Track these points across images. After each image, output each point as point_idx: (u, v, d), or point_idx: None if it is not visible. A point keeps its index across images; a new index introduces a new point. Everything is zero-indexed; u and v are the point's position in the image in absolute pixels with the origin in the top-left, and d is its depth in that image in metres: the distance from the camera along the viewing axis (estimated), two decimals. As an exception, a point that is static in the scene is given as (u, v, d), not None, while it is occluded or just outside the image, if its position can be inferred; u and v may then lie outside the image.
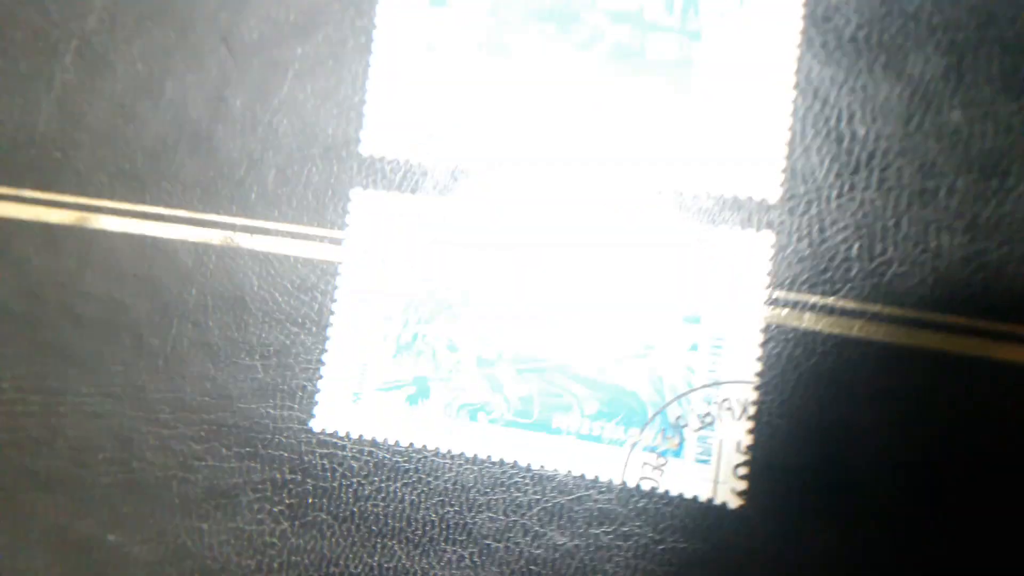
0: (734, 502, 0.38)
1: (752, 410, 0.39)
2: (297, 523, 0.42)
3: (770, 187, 0.40)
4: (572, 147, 0.41)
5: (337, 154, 0.44)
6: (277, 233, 0.45)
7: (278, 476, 0.43)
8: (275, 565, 0.42)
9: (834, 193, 0.39)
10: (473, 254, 0.42)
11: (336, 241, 0.44)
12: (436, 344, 0.42)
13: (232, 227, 0.45)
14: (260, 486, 0.43)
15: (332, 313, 0.43)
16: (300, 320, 0.44)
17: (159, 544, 0.44)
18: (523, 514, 0.40)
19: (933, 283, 0.38)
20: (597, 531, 0.40)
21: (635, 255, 0.40)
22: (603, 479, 0.39)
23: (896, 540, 0.37)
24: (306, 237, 0.44)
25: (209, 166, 0.46)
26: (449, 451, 0.41)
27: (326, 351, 0.43)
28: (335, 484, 0.42)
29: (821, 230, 0.39)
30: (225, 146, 0.46)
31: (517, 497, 0.40)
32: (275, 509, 0.43)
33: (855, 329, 0.38)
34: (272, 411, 0.43)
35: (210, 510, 0.43)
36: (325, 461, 0.42)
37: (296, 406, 0.43)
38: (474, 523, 0.41)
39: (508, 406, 0.41)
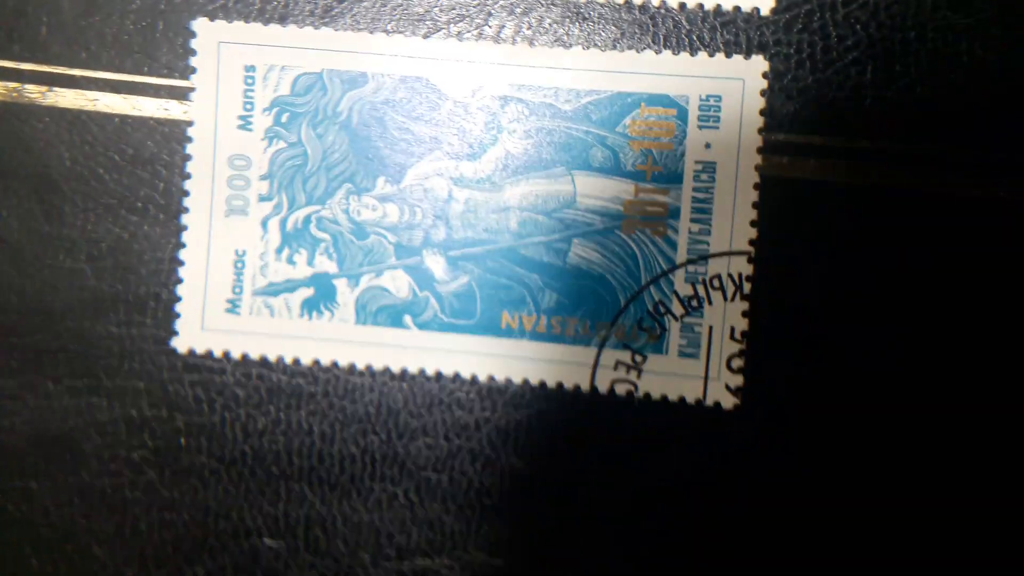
0: (728, 401, 0.31)
1: (748, 287, 0.31)
2: (167, 471, 0.32)
3: (765, -2, 0.31)
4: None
5: (165, -33, 0.32)
6: (88, 84, 0.32)
7: (134, 414, 0.32)
8: (142, 526, 0.32)
9: None
10: (373, 100, 0.32)
11: (180, 93, 0.32)
12: (337, 229, 0.32)
13: (18, 76, 0.32)
14: (109, 428, 0.32)
15: (185, 194, 0.32)
16: (139, 205, 0.32)
17: (-34, 514, 0.33)
18: (469, 437, 0.32)
19: (967, 111, 0.31)
20: (563, 450, 0.32)
21: (590, 94, 0.31)
22: (568, 386, 0.31)
23: (909, 433, 0.31)
24: (134, 89, 0.32)
25: (-28, -10, 0.32)
26: (368, 367, 0.31)
27: (183, 246, 0.32)
28: (215, 419, 0.32)
29: (826, 50, 0.31)
30: (-7, -40, 0.32)
31: (460, 417, 0.32)
32: (134, 456, 0.32)
33: (871, 176, 0.31)
34: (115, 329, 0.32)
35: (39, 463, 0.33)
36: (198, 391, 0.32)
37: (148, 321, 0.32)
38: (407, 453, 0.32)
39: (442, 305, 0.32)
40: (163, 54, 0.32)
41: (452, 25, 0.31)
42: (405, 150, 0.31)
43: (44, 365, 0.32)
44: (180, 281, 0.32)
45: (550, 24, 0.31)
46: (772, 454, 0.31)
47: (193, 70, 0.31)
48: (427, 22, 0.31)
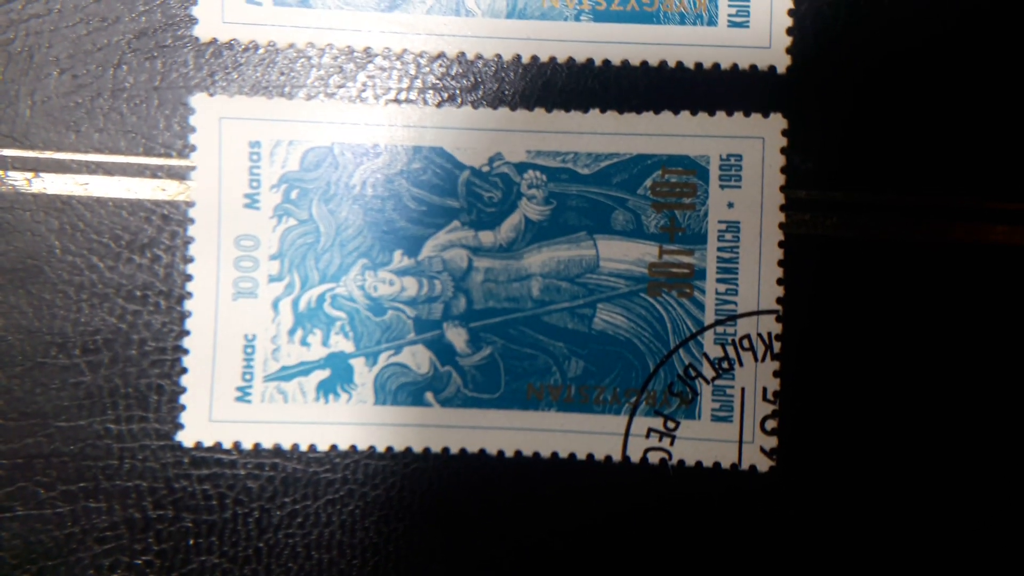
0: (763, 464, 0.30)
1: (778, 347, 0.31)
2: (175, 575, 0.31)
3: (774, 51, 0.31)
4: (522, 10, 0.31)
5: (159, 40, 0.30)
6: (79, 168, 0.30)
7: (137, 516, 0.30)
8: (149, 637, 0.30)
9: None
10: (387, 171, 0.31)
11: (180, 173, 0.30)
12: (353, 306, 0.30)
13: (0, 163, 0.31)
14: (109, 534, 0.30)
15: (189, 278, 0.30)
16: (139, 293, 0.30)
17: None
18: (501, 516, 0.30)
19: (983, 161, 0.31)
20: (597, 523, 0.31)
21: (609, 157, 0.30)
22: (599, 457, 0.30)
23: (948, 486, 0.31)
24: (129, 171, 0.30)
25: (-48, 72, 0.30)
26: (389, 449, 0.30)
27: (187, 333, 0.30)
28: (226, 516, 0.30)
29: (843, 106, 0.31)
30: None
31: (489, 495, 0.30)
32: (137, 561, 0.30)
33: (893, 230, 0.31)
34: (113, 426, 0.30)
35: (31, 577, 0.30)
36: (207, 486, 0.30)
37: (151, 415, 0.30)
38: (436, 538, 0.31)
39: (465, 379, 0.30)
40: (159, 133, 0.30)
41: (466, 93, 0.31)
42: (421, 221, 0.30)
43: (34, 470, 0.30)
44: (185, 371, 0.30)
45: (566, 88, 0.31)
46: (811, 515, 0.30)
47: (193, 148, 0.30)
48: (440, 90, 0.31)
